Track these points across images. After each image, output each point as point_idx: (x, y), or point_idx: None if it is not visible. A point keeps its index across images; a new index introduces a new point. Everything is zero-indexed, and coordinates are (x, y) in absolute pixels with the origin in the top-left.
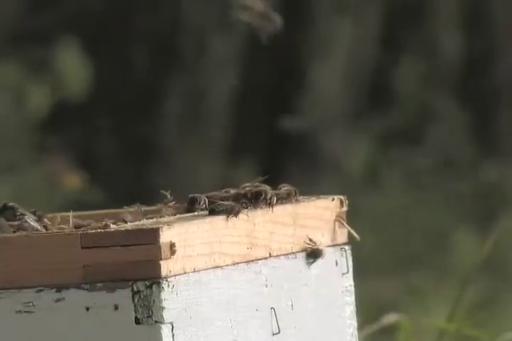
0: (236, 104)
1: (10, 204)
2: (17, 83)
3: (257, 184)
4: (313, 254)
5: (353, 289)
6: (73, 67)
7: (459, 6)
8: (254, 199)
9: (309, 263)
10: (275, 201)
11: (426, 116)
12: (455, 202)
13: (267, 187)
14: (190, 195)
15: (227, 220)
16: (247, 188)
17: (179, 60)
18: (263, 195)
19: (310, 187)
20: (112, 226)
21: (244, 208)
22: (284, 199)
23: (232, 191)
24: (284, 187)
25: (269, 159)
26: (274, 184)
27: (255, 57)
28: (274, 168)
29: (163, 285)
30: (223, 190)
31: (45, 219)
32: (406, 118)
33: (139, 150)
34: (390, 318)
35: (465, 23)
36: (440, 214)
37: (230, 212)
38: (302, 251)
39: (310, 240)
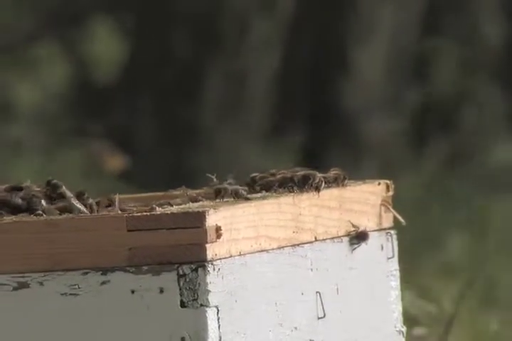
0: (277, 86)
1: (54, 181)
2: (57, 65)
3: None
4: (358, 237)
5: (398, 273)
6: (111, 49)
7: None
8: (302, 183)
9: (354, 247)
10: (323, 185)
11: (466, 101)
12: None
13: (315, 172)
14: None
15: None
16: (296, 172)
17: (220, 41)
18: (311, 179)
19: (351, 170)
20: (157, 209)
21: (291, 192)
22: (331, 183)
23: (278, 175)
24: (334, 171)
25: (310, 142)
26: (314, 167)
27: (297, 40)
28: (314, 151)
29: (209, 269)
30: (270, 173)
31: (91, 201)
32: (446, 102)
33: (180, 133)
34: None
35: (507, 7)
36: (481, 192)
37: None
38: (348, 235)
39: (353, 225)
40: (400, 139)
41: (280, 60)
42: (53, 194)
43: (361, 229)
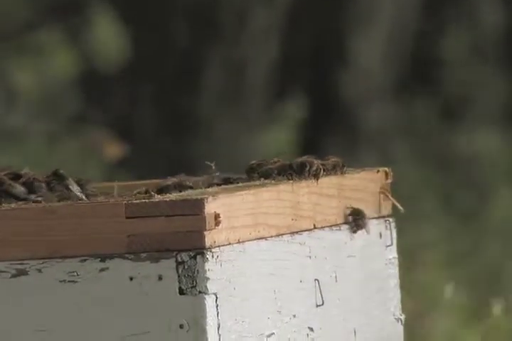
0: (276, 75)
1: (61, 171)
2: (57, 53)
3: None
4: (356, 224)
5: (396, 261)
6: (112, 38)
7: None
8: (300, 171)
9: (352, 233)
10: (321, 173)
11: (469, 87)
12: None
13: (313, 159)
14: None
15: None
16: (293, 160)
17: (220, 30)
18: (309, 167)
19: (349, 158)
20: (156, 196)
21: (290, 180)
22: (330, 170)
23: (277, 163)
24: (332, 159)
25: (309, 130)
26: (313, 155)
27: (295, 28)
28: (313, 139)
29: (208, 256)
30: (268, 161)
31: (90, 188)
32: (449, 90)
33: (179, 121)
34: None
35: None
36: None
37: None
38: (346, 222)
39: (353, 210)
40: (399, 127)
41: (279, 49)
42: (58, 185)
43: (359, 215)
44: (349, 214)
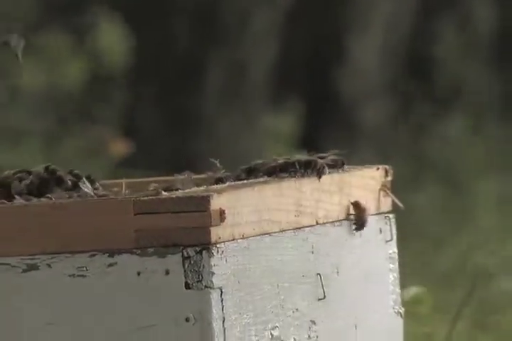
0: (276, 75)
1: (75, 171)
2: (61, 53)
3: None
4: (358, 223)
5: (396, 256)
6: (115, 39)
7: None
8: (304, 169)
9: (353, 231)
10: (325, 171)
11: (460, 85)
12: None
13: (316, 158)
14: (243, 167)
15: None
16: (296, 158)
17: (221, 32)
18: (312, 165)
19: (347, 155)
20: (163, 193)
21: (292, 177)
22: (331, 168)
23: (281, 161)
24: (331, 157)
25: (308, 127)
26: (313, 151)
27: (295, 30)
28: (312, 136)
29: (213, 251)
30: (272, 159)
31: (98, 185)
32: (441, 88)
33: (181, 120)
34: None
35: None
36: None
37: None
38: (347, 219)
39: (355, 205)
40: (395, 124)
41: (279, 49)
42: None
43: (360, 213)
44: (350, 214)
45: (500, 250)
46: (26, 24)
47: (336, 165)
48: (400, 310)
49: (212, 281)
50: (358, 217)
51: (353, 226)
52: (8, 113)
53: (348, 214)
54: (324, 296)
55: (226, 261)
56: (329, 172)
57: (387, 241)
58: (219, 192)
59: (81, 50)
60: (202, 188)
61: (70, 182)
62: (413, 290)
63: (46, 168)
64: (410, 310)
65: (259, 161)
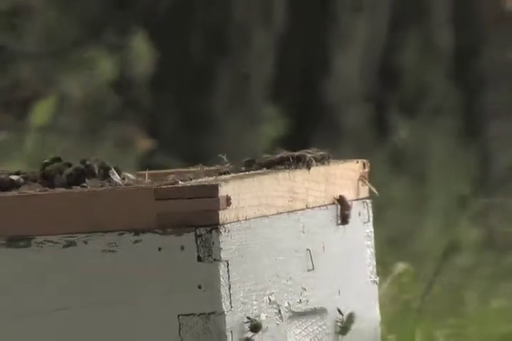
0: (273, 84)
1: (106, 163)
2: (98, 64)
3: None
4: (342, 218)
5: (372, 235)
6: (142, 52)
7: (450, 7)
8: (296, 162)
9: (339, 224)
10: (313, 163)
11: (424, 93)
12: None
13: (306, 153)
14: (246, 159)
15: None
16: (290, 153)
17: (228, 48)
18: (303, 159)
19: (331, 151)
20: (180, 182)
21: (287, 169)
22: (319, 161)
23: (277, 155)
24: (319, 152)
25: (299, 131)
26: (302, 149)
27: (288, 46)
28: (302, 137)
29: (221, 230)
30: (272, 154)
31: (124, 175)
32: (408, 94)
33: (195, 121)
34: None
35: (455, 20)
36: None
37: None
38: (332, 203)
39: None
40: (372, 127)
41: (276, 62)
42: (102, 172)
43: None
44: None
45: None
46: (70, 40)
47: (322, 159)
48: (376, 279)
49: (220, 255)
50: (342, 214)
51: (338, 221)
52: (56, 114)
53: (333, 203)
54: (313, 267)
55: (231, 238)
56: (317, 165)
57: (364, 223)
58: (226, 181)
59: (116, 62)
60: (212, 178)
61: (101, 173)
62: (400, 266)
63: (83, 162)
64: (396, 281)
65: (260, 156)
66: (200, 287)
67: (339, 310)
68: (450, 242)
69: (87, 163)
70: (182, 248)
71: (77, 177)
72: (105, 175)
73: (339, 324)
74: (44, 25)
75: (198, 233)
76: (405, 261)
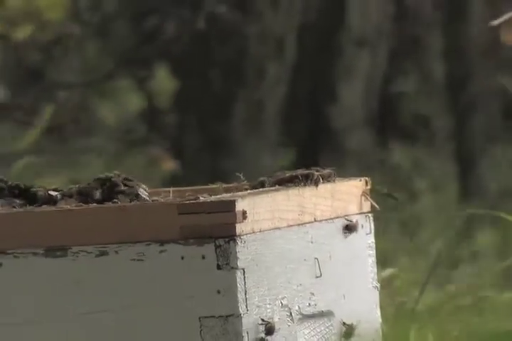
0: (285, 111)
1: (136, 182)
2: (127, 93)
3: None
4: (348, 228)
5: (373, 245)
6: (167, 82)
7: (444, 40)
8: (305, 180)
9: (346, 235)
10: (320, 181)
11: (420, 118)
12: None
13: (314, 171)
14: (261, 178)
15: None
16: (299, 172)
17: (244, 78)
18: (311, 177)
19: (337, 170)
20: (200, 198)
21: (296, 186)
22: (326, 179)
23: (288, 174)
24: (326, 171)
25: (307, 152)
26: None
27: (298, 77)
28: (310, 158)
29: (238, 241)
30: (281, 173)
31: (150, 192)
32: (405, 120)
33: (215, 143)
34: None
35: (448, 53)
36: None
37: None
38: (338, 217)
39: (346, 219)
40: (373, 149)
41: (287, 92)
42: (131, 189)
43: (353, 221)
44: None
45: None
46: (103, 71)
47: (329, 177)
48: (377, 285)
49: (237, 264)
50: (348, 230)
51: (345, 231)
52: (90, 138)
53: (339, 215)
54: (321, 274)
55: (247, 248)
56: (323, 183)
57: (367, 234)
58: (242, 197)
59: (143, 91)
60: (229, 194)
61: (130, 190)
62: (388, 271)
63: (113, 180)
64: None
65: (272, 174)
66: (219, 292)
67: (344, 323)
68: (438, 255)
69: (117, 181)
70: (203, 257)
71: (109, 194)
72: (134, 192)
73: (343, 330)
74: (80, 57)
75: (217, 244)
76: (396, 267)
